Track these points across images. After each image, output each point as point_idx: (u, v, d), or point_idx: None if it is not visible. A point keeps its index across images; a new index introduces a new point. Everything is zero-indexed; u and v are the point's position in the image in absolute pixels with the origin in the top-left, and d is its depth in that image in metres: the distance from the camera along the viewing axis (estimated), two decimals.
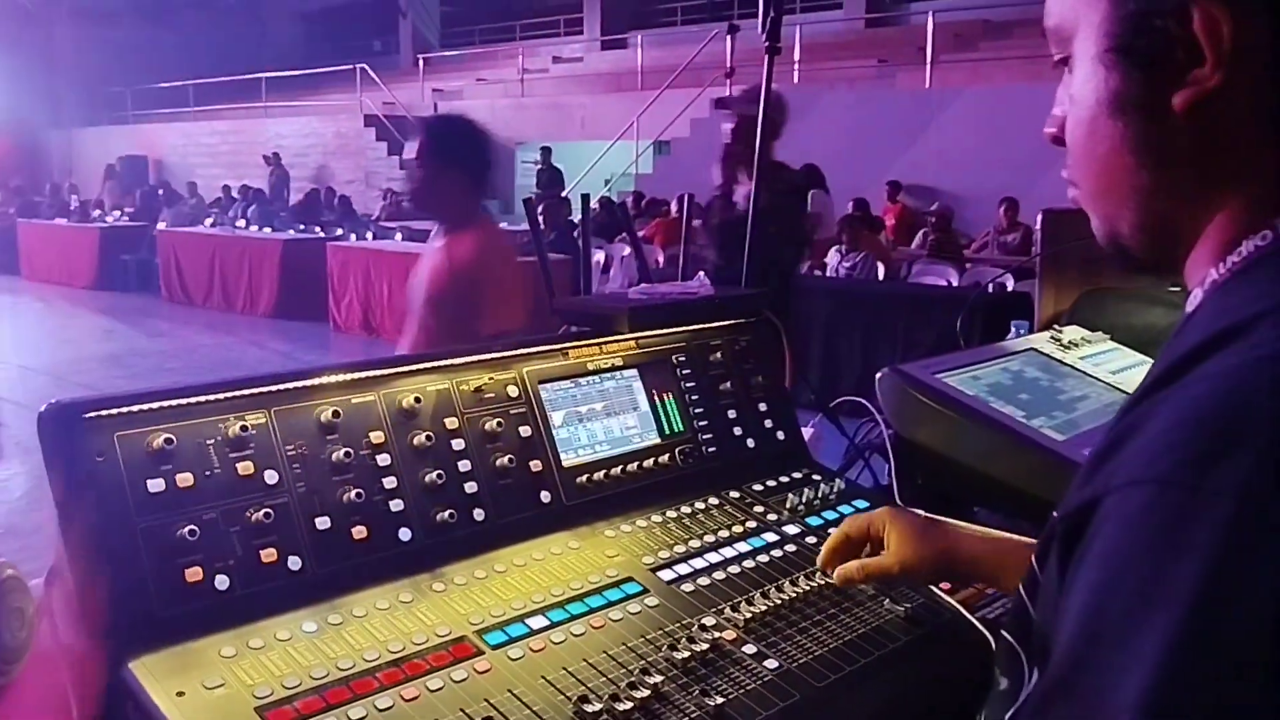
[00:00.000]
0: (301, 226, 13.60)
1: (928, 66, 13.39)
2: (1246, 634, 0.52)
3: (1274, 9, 0.65)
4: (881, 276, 8.56)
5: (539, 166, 15.22)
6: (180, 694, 0.93)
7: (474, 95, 20.79)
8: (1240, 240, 0.70)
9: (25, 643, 0.81)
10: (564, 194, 12.40)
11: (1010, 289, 6.76)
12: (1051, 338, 2.05)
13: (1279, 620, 0.51)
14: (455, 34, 27.01)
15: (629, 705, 1.01)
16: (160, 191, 17.14)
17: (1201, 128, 0.69)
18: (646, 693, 1.02)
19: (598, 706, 1.00)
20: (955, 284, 8.17)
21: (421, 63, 21.81)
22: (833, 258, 8.52)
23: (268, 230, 12.96)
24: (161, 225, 14.19)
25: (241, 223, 13.77)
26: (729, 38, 12.73)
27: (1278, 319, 0.62)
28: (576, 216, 11.48)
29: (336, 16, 28.58)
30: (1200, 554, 0.53)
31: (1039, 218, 2.47)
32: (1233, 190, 0.71)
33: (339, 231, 12.86)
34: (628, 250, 9.84)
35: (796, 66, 14.26)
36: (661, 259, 9.15)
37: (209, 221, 14.34)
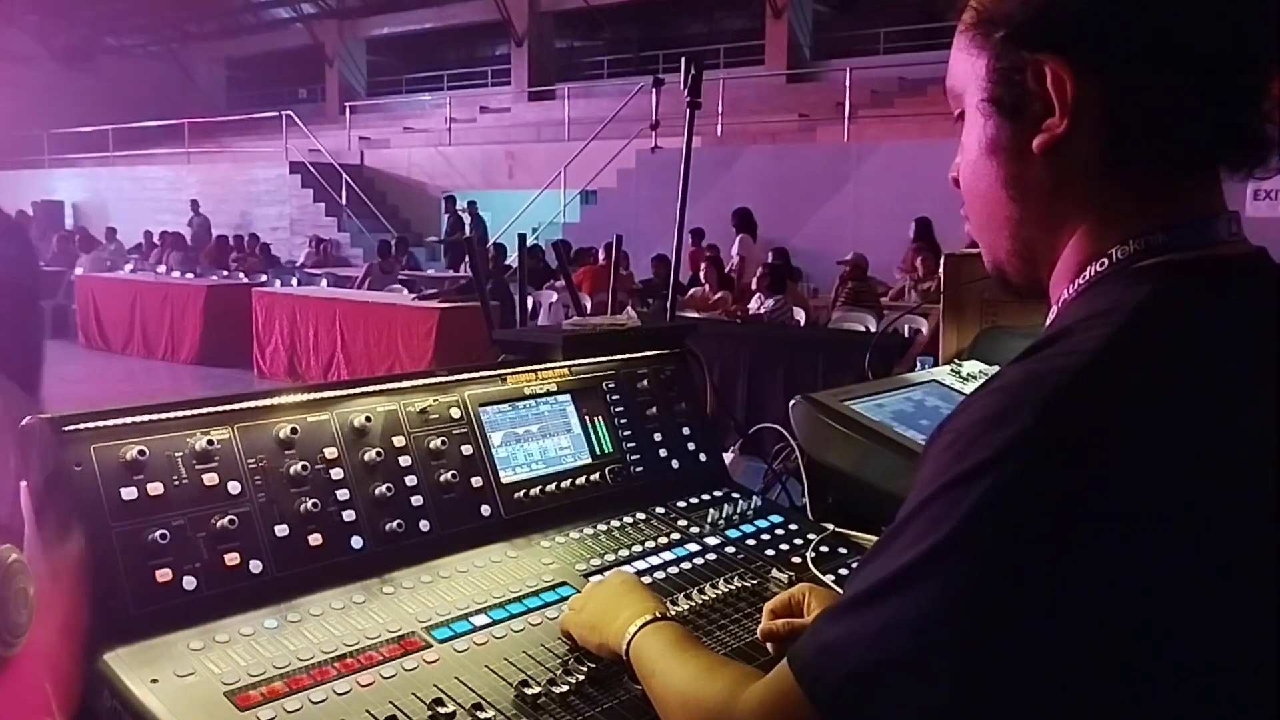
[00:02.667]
0: (225, 272, 13.51)
1: (846, 122, 13.86)
2: (984, 541, 0.72)
3: (1108, 71, 0.81)
4: (802, 323, 8.81)
5: (459, 214, 15.43)
6: (154, 681, 1.02)
7: (401, 144, 20.89)
8: (1087, 266, 0.86)
9: (28, 621, 0.89)
10: (489, 242, 12.55)
11: (925, 333, 7.04)
12: (952, 370, 2.22)
13: (1002, 529, 0.72)
14: (382, 83, 27.13)
15: (565, 688, 1.12)
16: (77, 237, 16.82)
17: (1054, 167, 0.85)
18: (581, 677, 1.13)
19: (536, 689, 1.10)
20: (872, 329, 8.44)
21: (348, 111, 21.86)
22: (754, 303, 8.74)
23: (190, 276, 12.83)
24: (79, 271, 13.95)
25: (162, 268, 13.62)
26: (654, 91, 13.03)
27: (1087, 329, 0.77)
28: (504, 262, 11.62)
29: (262, 64, 28.54)
30: (962, 486, 0.74)
31: (942, 261, 2.66)
32: (1080, 220, 0.86)
33: (263, 278, 12.80)
34: (555, 297, 9.99)
35: (720, 120, 14.65)
36: (589, 306, 9.30)
37: (129, 267, 14.15)
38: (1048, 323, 0.88)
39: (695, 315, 8.67)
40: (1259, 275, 0.85)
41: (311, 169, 19.06)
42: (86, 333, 12.64)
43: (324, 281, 12.45)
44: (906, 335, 7.27)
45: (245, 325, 10.61)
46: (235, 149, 21.56)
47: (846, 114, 13.89)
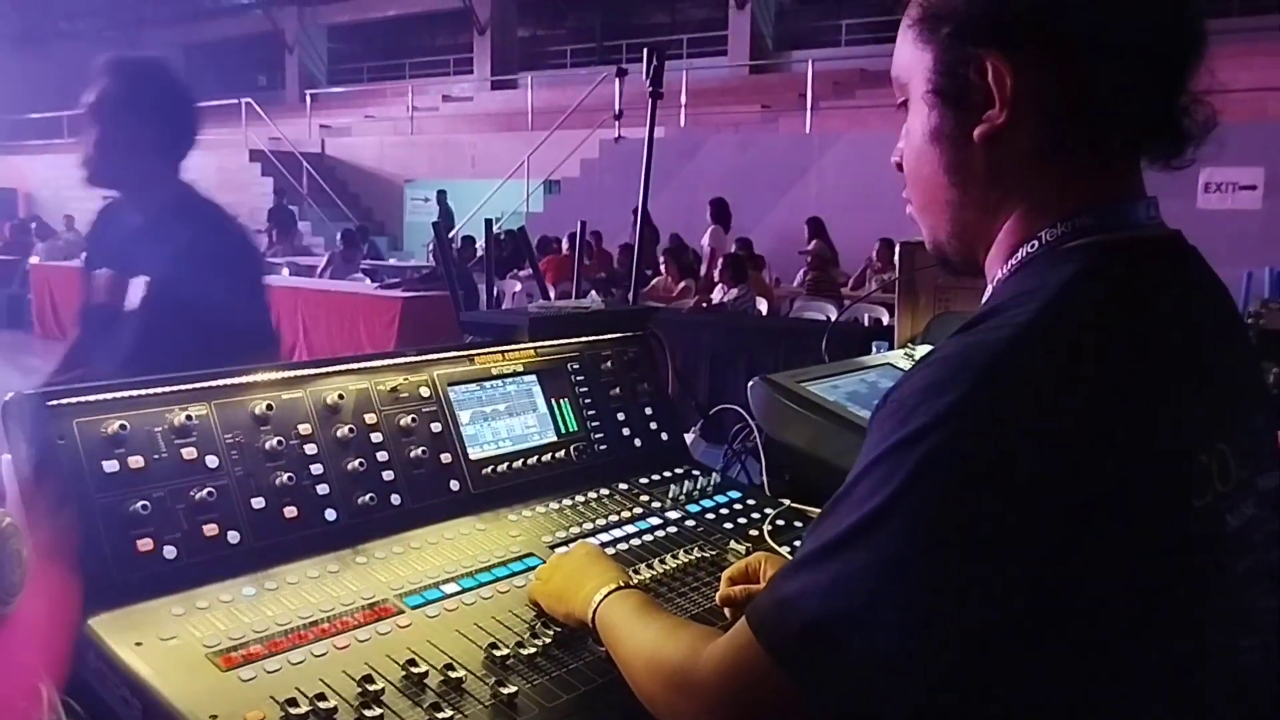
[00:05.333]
0: None
1: (808, 112, 13.96)
2: (926, 499, 0.78)
3: (1046, 67, 0.87)
4: (765, 312, 8.90)
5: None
6: (138, 644, 1.06)
7: (363, 132, 20.74)
8: (1019, 247, 0.93)
9: (21, 582, 0.93)
10: (453, 233, 12.56)
11: (886, 323, 7.15)
12: (905, 354, 2.30)
13: (942, 487, 0.78)
14: (343, 70, 26.90)
15: (532, 650, 1.17)
16: (33, 225, 16.56)
17: (993, 155, 0.92)
18: (547, 640, 1.19)
19: (505, 651, 1.16)
20: (834, 319, 8.55)
21: (309, 98, 21.67)
22: (717, 293, 8.81)
23: None
24: (35, 260, 13.75)
25: None
26: (617, 80, 13.06)
27: (1018, 305, 0.84)
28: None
29: (220, 50, 28.17)
30: (907, 449, 0.80)
31: (897, 249, 2.74)
32: (1015, 205, 0.93)
33: None
34: (519, 286, 10.01)
35: (683, 110, 14.70)
36: (554, 295, 9.31)
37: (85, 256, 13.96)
38: (983, 300, 0.95)
39: (658, 305, 8.72)
40: (1174, 256, 0.93)
41: (272, 157, 18.90)
42: (42, 322, 12.48)
43: (285, 270, 12.37)
44: (866, 324, 7.38)
45: None
46: None
47: (809, 104, 13.99)
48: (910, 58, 0.96)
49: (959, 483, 0.78)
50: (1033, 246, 0.91)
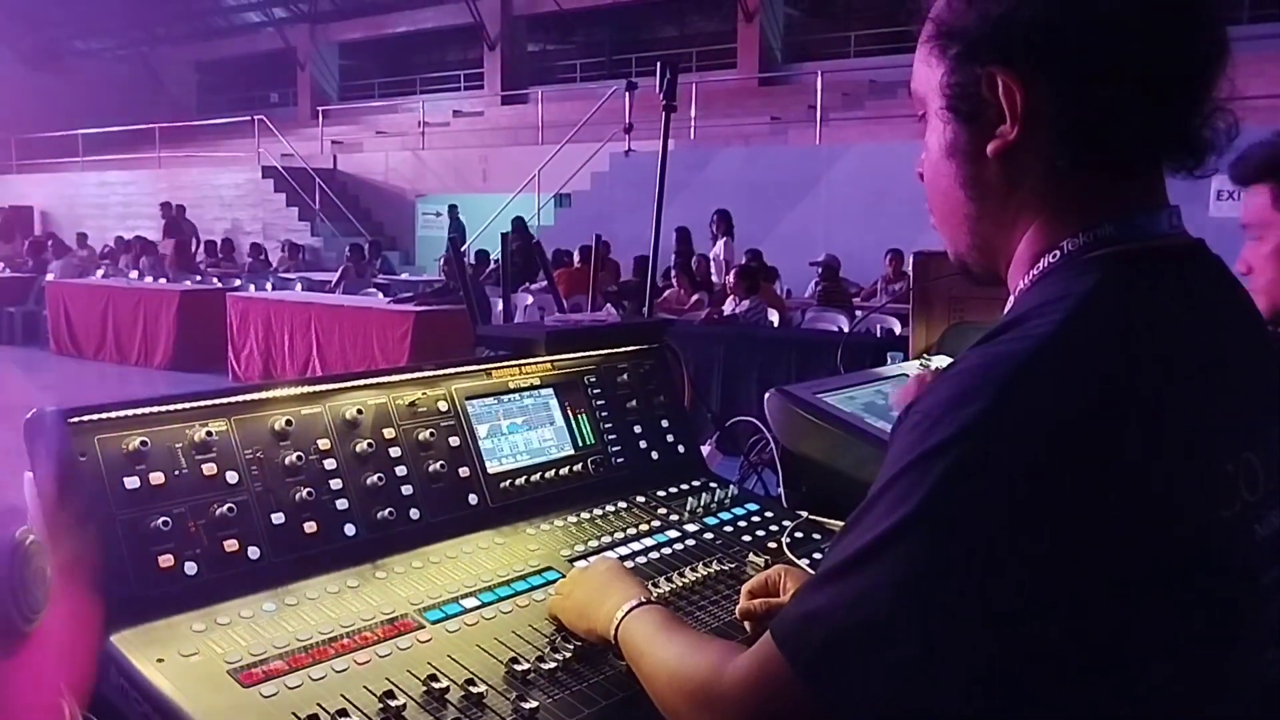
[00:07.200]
0: (199, 277, 13.47)
1: (818, 124, 13.98)
2: (949, 512, 0.78)
3: (1054, 81, 0.87)
4: (777, 324, 8.88)
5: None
6: (160, 660, 1.06)
7: (374, 147, 20.86)
8: (1041, 257, 0.92)
9: (44, 599, 0.94)
10: (464, 247, 12.62)
11: (898, 334, 7.14)
12: (920, 364, 2.29)
13: (967, 500, 0.78)
14: (354, 86, 27.05)
15: (553, 665, 1.17)
16: (49, 242, 16.68)
17: (1008, 169, 0.92)
18: (568, 654, 1.19)
19: (526, 666, 1.16)
20: (845, 330, 8.53)
21: (321, 114, 21.79)
22: (729, 304, 8.81)
23: (163, 281, 12.77)
24: (50, 277, 13.84)
25: (134, 274, 13.55)
26: (628, 94, 13.11)
27: (1040, 315, 0.84)
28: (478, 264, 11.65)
29: (232, 67, 28.40)
30: (930, 462, 0.79)
31: (911, 260, 2.74)
32: (1033, 216, 0.93)
33: (237, 282, 12.77)
34: (530, 300, 10.03)
35: (693, 122, 14.74)
36: (566, 308, 9.31)
37: (100, 272, 14.05)
38: (1006, 310, 0.94)
39: (671, 318, 8.72)
40: (1197, 265, 0.92)
41: (284, 173, 19.00)
42: (58, 339, 12.55)
43: (299, 285, 12.43)
44: (879, 335, 7.37)
45: (219, 330, 10.57)
46: (207, 153, 21.44)
47: (818, 116, 14.01)
48: (925, 74, 0.96)
49: (982, 496, 0.77)
50: (1054, 256, 0.91)
